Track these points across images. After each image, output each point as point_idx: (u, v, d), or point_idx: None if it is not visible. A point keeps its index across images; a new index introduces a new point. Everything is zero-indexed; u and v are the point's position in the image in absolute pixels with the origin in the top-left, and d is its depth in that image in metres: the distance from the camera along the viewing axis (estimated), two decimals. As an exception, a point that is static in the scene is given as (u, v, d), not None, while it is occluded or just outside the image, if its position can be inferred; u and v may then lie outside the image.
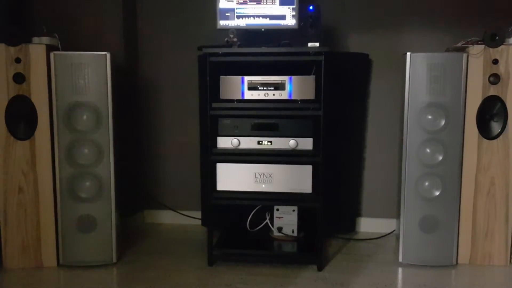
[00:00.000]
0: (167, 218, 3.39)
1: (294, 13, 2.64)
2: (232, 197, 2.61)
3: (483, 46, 2.49)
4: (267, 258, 2.68)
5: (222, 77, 2.58)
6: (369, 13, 3.08)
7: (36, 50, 2.45)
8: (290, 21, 2.65)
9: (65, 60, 2.47)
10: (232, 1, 2.66)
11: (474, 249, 2.61)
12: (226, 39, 2.54)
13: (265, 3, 2.64)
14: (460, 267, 2.60)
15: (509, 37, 2.49)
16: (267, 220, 2.85)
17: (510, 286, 2.40)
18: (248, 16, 2.66)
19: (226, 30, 2.59)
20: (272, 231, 2.81)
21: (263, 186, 2.59)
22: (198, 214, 3.32)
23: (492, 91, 2.52)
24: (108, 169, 2.54)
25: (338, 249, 2.89)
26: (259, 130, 2.60)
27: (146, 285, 2.38)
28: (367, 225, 3.20)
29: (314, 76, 2.56)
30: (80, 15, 3.11)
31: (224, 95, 2.58)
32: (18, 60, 2.43)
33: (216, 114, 2.59)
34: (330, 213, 2.96)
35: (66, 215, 2.54)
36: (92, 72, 2.48)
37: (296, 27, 2.65)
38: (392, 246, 2.92)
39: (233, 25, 2.66)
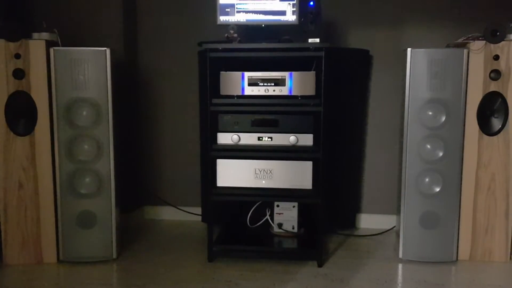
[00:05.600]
0: (167, 214, 3.39)
1: (294, 9, 2.63)
2: (232, 193, 2.60)
3: (484, 42, 2.49)
4: (267, 254, 2.68)
5: (222, 73, 2.58)
6: (370, 9, 3.07)
7: (36, 45, 2.44)
8: (291, 17, 2.64)
9: (65, 56, 2.46)
10: (232, -4, 2.65)
11: (474, 245, 2.61)
12: (226, 35, 2.53)
13: (265, -2, 2.64)
14: (460, 263, 2.60)
15: (510, 33, 2.48)
16: (267, 216, 2.85)
17: (511, 282, 2.40)
18: (248, 12, 2.65)
19: (226, 26, 2.58)
20: (272, 227, 2.81)
21: (263, 182, 2.59)
22: (198, 210, 3.32)
23: (493, 87, 2.52)
24: (108, 165, 2.54)
25: (338, 245, 2.89)
26: (259, 126, 2.59)
27: (146, 281, 2.38)
28: (367, 221, 3.20)
29: (314, 72, 2.55)
30: (80, 11, 3.10)
31: (224, 91, 2.58)
32: (17, 56, 2.42)
33: (216, 110, 2.58)
34: (330, 209, 2.96)
35: (66, 211, 2.54)
36: (92, 67, 2.48)
37: (297, 22, 2.64)
38: (392, 242, 2.92)
39: (233, 20, 2.65)
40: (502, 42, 2.47)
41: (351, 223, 3.20)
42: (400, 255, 2.64)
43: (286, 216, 2.78)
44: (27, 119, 2.47)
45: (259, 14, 2.65)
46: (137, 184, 3.36)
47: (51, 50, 2.46)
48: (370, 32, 3.08)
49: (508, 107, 2.51)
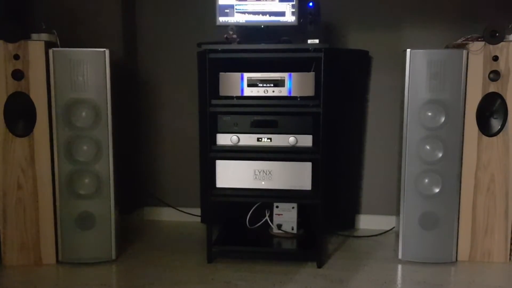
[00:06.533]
0: (166, 215, 3.39)
1: (293, 10, 2.63)
2: (231, 194, 2.60)
3: (483, 42, 2.49)
4: (266, 255, 2.68)
5: (221, 73, 2.57)
6: (369, 10, 3.07)
7: (35, 46, 2.44)
8: (290, 18, 2.64)
9: (64, 57, 2.46)
10: (232, -3, 2.65)
11: (473, 246, 2.61)
12: (225, 36, 2.53)
13: (264, -1, 2.64)
14: (459, 264, 2.60)
15: (509, 34, 2.48)
16: (267, 217, 2.84)
17: (510, 283, 2.40)
18: (248, 13, 2.65)
19: (226, 27, 2.58)
20: (271, 228, 2.81)
21: (263, 183, 2.59)
22: (198, 211, 3.32)
23: (492, 88, 2.52)
24: (107, 166, 2.54)
25: (338, 246, 2.89)
26: (258, 127, 2.59)
27: (145, 282, 2.38)
28: (367, 222, 3.20)
29: (313, 72, 2.55)
30: (79, 12, 3.10)
31: (223, 92, 2.58)
32: (16, 57, 2.42)
33: (215, 111, 2.58)
34: (330, 210, 2.96)
35: (65, 212, 2.54)
36: (91, 68, 2.47)
37: (296, 23, 2.64)
38: (392, 243, 2.92)
39: (232, 21, 2.65)
40: (501, 43, 2.47)
41: (351, 224, 3.20)
42: (400, 256, 2.63)
43: (286, 217, 2.78)
44: (26, 120, 2.47)
45: (259, 15, 2.65)
46: (136, 185, 3.36)
47: (50, 51, 2.46)
48: (369, 33, 3.08)
49: (508, 108, 2.51)
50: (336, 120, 2.92)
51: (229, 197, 2.62)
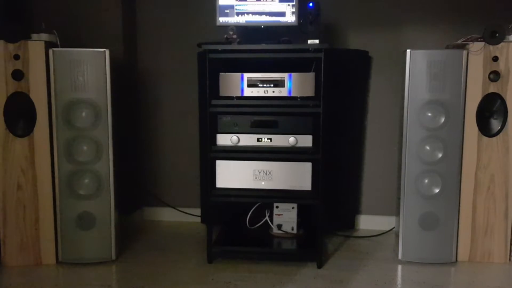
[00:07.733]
0: (166, 215, 3.39)
1: (293, 10, 2.63)
2: (231, 194, 2.60)
3: (483, 43, 2.49)
4: (266, 256, 2.68)
5: (221, 74, 2.57)
6: (369, 10, 3.07)
7: (35, 46, 2.44)
8: (290, 18, 2.64)
9: (64, 57, 2.46)
10: (232, -3, 2.65)
11: (473, 247, 2.61)
12: (225, 36, 2.53)
13: (264, 0, 2.64)
14: (459, 264, 2.60)
15: (509, 34, 2.48)
16: (267, 218, 2.85)
17: (510, 283, 2.40)
18: (248, 13, 2.65)
19: (226, 27, 2.58)
20: (271, 228, 2.81)
21: (263, 183, 2.59)
22: (198, 211, 3.32)
23: (492, 88, 2.52)
24: (107, 166, 2.54)
25: (338, 246, 2.89)
26: (258, 127, 2.59)
27: (145, 282, 2.38)
28: (367, 223, 3.20)
29: (313, 73, 2.55)
30: (79, 12, 3.10)
31: (223, 92, 2.58)
32: (17, 57, 2.42)
33: (215, 111, 2.58)
34: (330, 210, 2.96)
35: (65, 212, 2.54)
36: (91, 69, 2.47)
37: (296, 24, 2.64)
38: (392, 243, 2.92)
39: (232, 22, 2.65)
40: (501, 44, 2.48)
41: (351, 224, 3.20)
42: (400, 256, 2.64)
43: (286, 217, 2.78)
44: (26, 120, 2.47)
45: (259, 15, 2.65)
46: (136, 185, 3.36)
47: (50, 51, 2.46)
48: (369, 33, 3.08)
49: (507, 108, 2.51)
50: (336, 120, 2.92)
51: (229, 197, 2.62)
